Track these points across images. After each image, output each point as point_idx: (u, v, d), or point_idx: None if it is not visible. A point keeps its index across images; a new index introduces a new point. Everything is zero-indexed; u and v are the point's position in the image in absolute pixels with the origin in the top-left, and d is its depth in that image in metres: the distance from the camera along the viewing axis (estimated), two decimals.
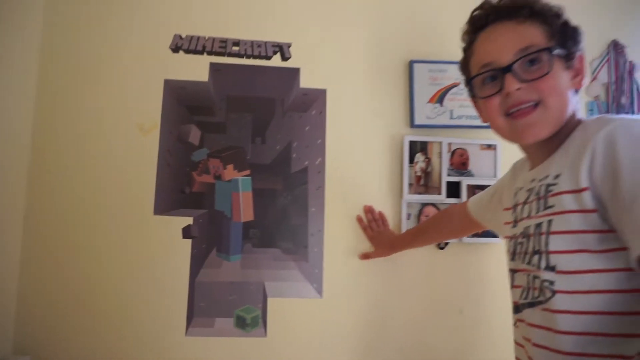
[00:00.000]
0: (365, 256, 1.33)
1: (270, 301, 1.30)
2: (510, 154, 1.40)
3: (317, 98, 1.37)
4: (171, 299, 1.27)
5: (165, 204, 1.29)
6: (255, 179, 1.33)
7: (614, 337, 0.65)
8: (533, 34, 0.78)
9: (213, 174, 1.31)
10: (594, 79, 1.51)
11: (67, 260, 1.26)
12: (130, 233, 1.28)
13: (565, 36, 0.78)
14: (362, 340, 1.32)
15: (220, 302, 1.28)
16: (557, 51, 0.75)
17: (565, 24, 0.79)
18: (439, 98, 1.42)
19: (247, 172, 1.33)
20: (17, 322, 1.24)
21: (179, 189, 1.30)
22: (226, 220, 1.31)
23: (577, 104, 0.77)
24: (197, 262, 1.29)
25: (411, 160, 1.38)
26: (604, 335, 0.65)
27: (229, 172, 1.31)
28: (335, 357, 1.30)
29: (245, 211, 1.31)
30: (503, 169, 1.40)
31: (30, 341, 1.23)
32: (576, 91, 0.78)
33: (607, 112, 1.49)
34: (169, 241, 1.28)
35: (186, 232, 1.29)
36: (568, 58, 0.77)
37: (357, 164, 1.36)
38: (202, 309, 1.28)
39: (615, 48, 1.51)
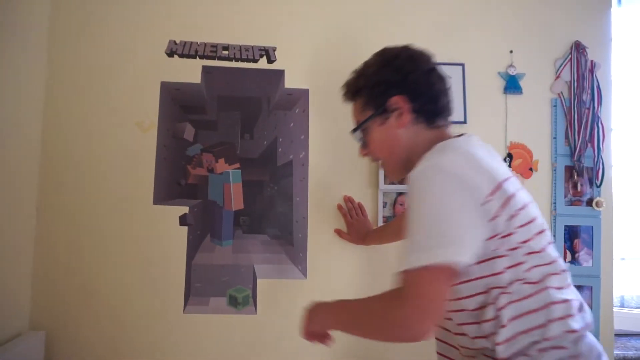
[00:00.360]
0: (339, 233, 1.47)
1: (260, 282, 1.44)
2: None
3: (300, 97, 1.50)
4: (170, 280, 1.41)
5: (164, 195, 1.42)
6: (244, 171, 1.46)
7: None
8: (356, 111, 1.02)
9: (206, 168, 1.44)
10: (558, 77, 1.63)
11: (77, 244, 1.40)
12: (132, 221, 1.41)
13: (373, 98, 0.95)
14: None
15: (214, 282, 1.42)
16: (366, 122, 0.96)
17: (375, 85, 0.94)
18: None
19: (237, 165, 1.46)
20: (33, 300, 1.38)
21: (175, 181, 1.43)
22: (219, 209, 1.44)
23: (420, 134, 0.92)
24: (193, 246, 1.43)
25: None
26: None
27: (221, 166, 1.45)
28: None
29: (236, 200, 1.45)
30: None
31: (45, 318, 1.37)
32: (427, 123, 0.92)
33: (570, 107, 1.62)
34: (168, 228, 1.42)
35: (183, 220, 1.42)
36: (381, 112, 0.93)
37: (338, 158, 1.50)
38: (198, 289, 1.42)
39: (577, 48, 1.63)
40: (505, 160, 1.57)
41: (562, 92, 1.63)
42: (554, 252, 0.83)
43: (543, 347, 0.76)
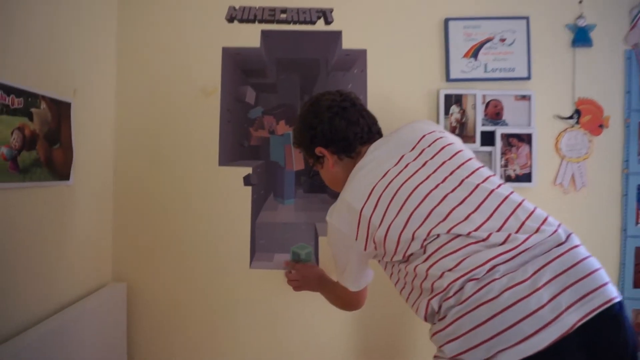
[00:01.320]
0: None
1: (322, 239, 1.49)
2: (544, 104, 1.49)
3: (358, 58, 1.50)
4: (236, 237, 1.49)
5: (228, 156, 1.49)
6: None
7: None
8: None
9: (268, 129, 1.49)
10: (633, 26, 1.53)
11: (152, 202, 1.51)
12: (199, 182, 1.50)
13: (307, 151, 1.21)
14: None
15: (277, 240, 1.49)
16: (312, 167, 1.27)
17: (303, 142, 1.21)
18: (474, 53, 1.51)
19: None
20: (114, 253, 1.51)
21: (239, 143, 1.49)
22: (280, 169, 1.49)
23: (347, 165, 1.14)
24: (257, 205, 1.49)
25: (447, 112, 1.49)
26: None
27: (282, 127, 1.49)
28: (376, 285, 1.48)
29: (297, 161, 1.49)
30: (538, 119, 1.48)
31: (126, 270, 1.50)
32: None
33: None
34: (233, 188, 1.49)
35: (247, 180, 1.49)
36: (316, 160, 1.20)
37: (397, 117, 1.49)
38: (262, 245, 1.49)
39: None
40: (572, 117, 1.50)
41: (637, 44, 1.52)
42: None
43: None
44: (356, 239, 1.00)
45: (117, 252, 1.51)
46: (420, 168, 0.98)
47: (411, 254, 0.93)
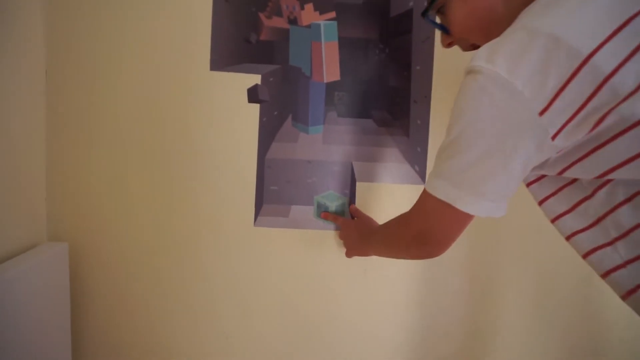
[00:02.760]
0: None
1: (360, 186, 1.02)
2: None
3: None
4: (235, 179, 1.01)
5: (225, 57, 0.98)
6: (342, 23, 0.99)
7: None
8: None
9: (287, 17, 0.98)
10: None
11: (104, 133, 0.99)
12: (177, 95, 0.98)
13: None
14: (471, 237, 1.05)
15: (296, 185, 1.01)
16: None
17: None
18: None
19: (332, 14, 0.98)
20: (50, 208, 1.00)
21: (242, 36, 0.98)
22: (304, 80, 1.00)
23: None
24: (268, 133, 1.00)
25: None
26: None
27: (308, 14, 0.98)
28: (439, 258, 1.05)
29: (329, 68, 1.00)
30: None
31: (66, 228, 1.00)
32: None
33: None
34: (231, 106, 0.99)
35: (253, 95, 0.99)
36: None
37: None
38: (274, 193, 1.02)
39: None
40: None
41: None
42: None
43: None
44: (544, 112, 0.53)
45: (52, 205, 1.00)
46: None
47: None
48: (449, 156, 0.60)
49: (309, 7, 0.97)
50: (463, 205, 0.59)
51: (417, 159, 1.02)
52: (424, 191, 0.65)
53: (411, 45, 1.00)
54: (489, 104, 0.56)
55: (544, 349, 1.10)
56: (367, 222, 0.98)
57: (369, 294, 1.05)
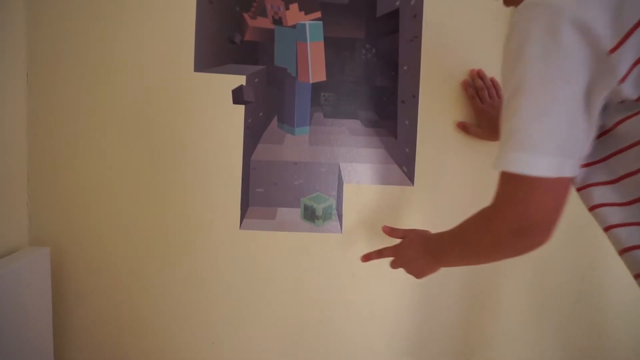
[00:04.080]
0: (464, 128, 1.00)
1: (347, 188, 1.01)
2: None
3: None
4: (220, 182, 0.99)
5: (209, 58, 0.97)
6: (327, 23, 0.98)
7: None
8: None
9: (271, 17, 0.97)
10: None
11: (87, 134, 0.97)
12: (162, 97, 0.97)
13: None
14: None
15: (283, 187, 1.00)
16: None
17: None
18: None
19: (318, 14, 0.97)
20: (32, 212, 0.98)
21: (226, 37, 0.97)
22: (290, 80, 0.99)
23: None
24: (253, 135, 0.99)
25: None
26: None
27: (293, 14, 0.97)
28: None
29: (315, 68, 0.98)
30: None
31: (47, 232, 0.99)
32: None
33: None
34: (216, 107, 0.97)
35: (237, 96, 0.98)
36: None
37: (466, 5, 1.00)
38: (260, 196, 1.00)
39: None
40: None
41: None
42: None
43: None
44: (615, 50, 0.49)
45: (35, 209, 0.98)
46: None
47: None
48: (513, 113, 0.53)
49: (294, 7, 0.96)
50: (549, 168, 0.52)
51: (405, 160, 1.00)
52: (501, 174, 0.56)
53: (398, 45, 0.98)
54: (552, 41, 0.48)
55: (540, 349, 1.09)
56: (422, 235, 0.84)
57: (358, 297, 1.03)
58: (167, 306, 1.01)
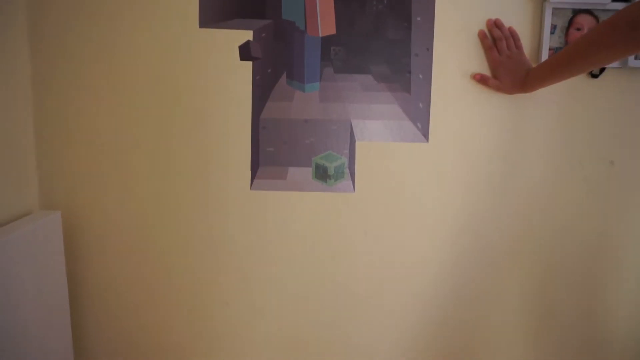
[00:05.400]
0: (483, 80, 0.97)
1: (360, 146, 0.98)
2: None
3: None
4: (229, 142, 0.97)
5: (214, 13, 0.93)
6: None
7: None
8: None
9: None
10: None
11: (92, 95, 0.95)
12: (167, 54, 0.94)
13: None
14: (476, 200, 1.01)
15: (293, 146, 0.97)
16: None
17: None
18: None
19: None
20: (41, 176, 0.98)
21: None
22: (298, 35, 0.95)
23: None
24: (261, 93, 0.96)
25: None
26: None
27: None
28: (443, 219, 1.01)
29: (325, 21, 0.94)
30: None
31: (58, 195, 0.98)
32: None
33: None
34: (222, 64, 0.94)
35: (244, 52, 0.95)
36: None
37: None
38: (270, 155, 0.98)
39: None
40: None
41: None
42: None
43: None
44: None
45: (45, 172, 0.97)
46: None
47: None
48: None
49: None
50: None
51: (419, 116, 0.97)
52: None
53: None
54: None
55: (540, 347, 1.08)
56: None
57: (371, 256, 1.02)
58: (180, 270, 1.01)
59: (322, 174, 0.98)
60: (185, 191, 0.98)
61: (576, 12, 0.95)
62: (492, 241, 1.02)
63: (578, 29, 0.96)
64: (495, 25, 0.95)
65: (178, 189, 0.98)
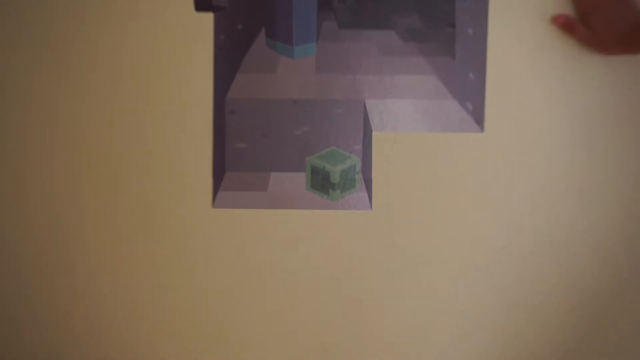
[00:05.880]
0: (567, 25, 0.62)
1: (379, 139, 0.64)
2: None
3: None
4: (178, 135, 0.64)
5: None
6: None
7: None
8: None
9: None
10: None
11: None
12: (93, 9, 0.64)
13: None
14: (561, 213, 0.66)
15: (277, 140, 0.64)
16: None
17: None
18: None
19: None
20: None
21: None
22: None
23: None
24: (228, 59, 0.64)
25: None
26: None
27: None
28: (510, 255, 0.66)
29: None
30: None
31: None
32: None
33: None
34: (168, 18, 0.64)
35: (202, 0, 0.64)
36: None
37: None
38: (242, 154, 0.65)
39: None
40: None
41: None
42: None
43: None
44: None
45: None
46: None
47: None
48: None
49: None
50: None
51: (470, 92, 0.63)
52: None
53: None
54: None
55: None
56: None
57: (397, 309, 0.67)
58: (125, 297, 0.67)
59: (322, 183, 0.64)
60: (124, 210, 0.65)
61: None
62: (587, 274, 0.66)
63: None
64: None
65: (117, 206, 0.65)
